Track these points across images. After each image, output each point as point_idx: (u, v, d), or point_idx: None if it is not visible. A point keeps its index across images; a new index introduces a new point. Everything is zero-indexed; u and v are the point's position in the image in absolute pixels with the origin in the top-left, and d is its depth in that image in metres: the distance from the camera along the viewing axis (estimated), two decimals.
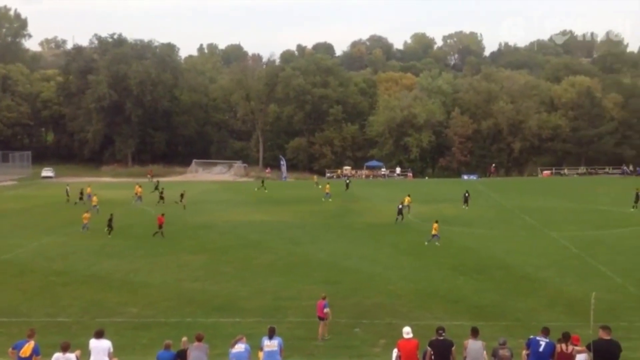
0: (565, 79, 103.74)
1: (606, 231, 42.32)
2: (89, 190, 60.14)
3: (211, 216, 49.44)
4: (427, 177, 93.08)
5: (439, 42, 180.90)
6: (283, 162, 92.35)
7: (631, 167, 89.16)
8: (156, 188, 62.98)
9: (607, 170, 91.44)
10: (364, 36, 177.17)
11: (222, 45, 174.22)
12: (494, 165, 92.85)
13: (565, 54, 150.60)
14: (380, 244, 38.73)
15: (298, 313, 24.64)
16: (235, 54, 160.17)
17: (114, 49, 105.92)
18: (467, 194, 54.60)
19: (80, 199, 57.93)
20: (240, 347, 14.45)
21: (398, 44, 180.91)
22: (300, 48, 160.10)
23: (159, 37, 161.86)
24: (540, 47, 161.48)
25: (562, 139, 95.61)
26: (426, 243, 37.95)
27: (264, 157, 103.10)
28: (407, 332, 14.29)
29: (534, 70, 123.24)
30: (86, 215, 43.25)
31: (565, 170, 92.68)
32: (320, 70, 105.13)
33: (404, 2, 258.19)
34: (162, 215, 42.09)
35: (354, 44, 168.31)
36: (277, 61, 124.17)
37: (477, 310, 24.85)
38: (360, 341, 21.55)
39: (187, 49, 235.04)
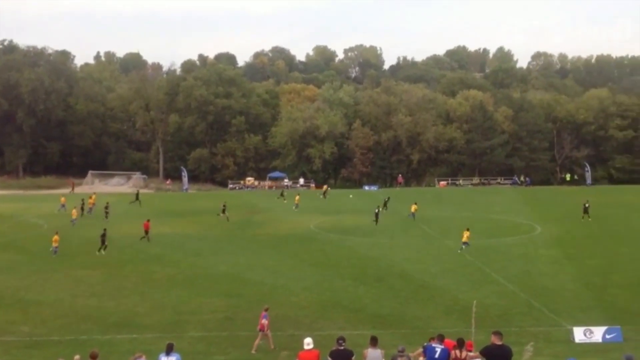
0: (460, 93, 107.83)
1: (498, 239, 44.27)
2: None
3: (109, 229, 47.63)
4: (329, 188, 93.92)
5: (340, 55, 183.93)
6: (184, 174, 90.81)
7: (522, 178, 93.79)
8: (137, 198, 64.32)
9: (499, 180, 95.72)
10: (267, 47, 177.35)
11: (120, 54, 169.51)
12: (400, 175, 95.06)
13: (460, 69, 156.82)
14: (283, 255, 38.82)
15: (199, 327, 24.30)
16: (134, 62, 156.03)
17: (5, 56, 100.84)
18: (377, 210, 53.89)
19: None
20: None
21: (300, 56, 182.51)
22: (202, 58, 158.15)
23: (53, 44, 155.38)
24: (436, 62, 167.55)
25: (457, 150, 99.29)
26: (459, 251, 39.18)
27: (165, 168, 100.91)
28: (307, 342, 14.40)
29: (430, 84, 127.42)
30: None
31: (461, 181, 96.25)
32: (223, 81, 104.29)
33: (306, 15, 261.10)
34: (148, 220, 43.64)
35: (257, 55, 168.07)
36: (178, 71, 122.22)
37: (378, 318, 25.38)
38: (263, 353, 21.50)
39: (83, 57, 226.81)
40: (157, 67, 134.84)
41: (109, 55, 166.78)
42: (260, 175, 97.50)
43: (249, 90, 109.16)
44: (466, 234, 40.28)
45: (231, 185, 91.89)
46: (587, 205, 53.70)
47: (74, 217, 51.48)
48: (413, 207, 55.03)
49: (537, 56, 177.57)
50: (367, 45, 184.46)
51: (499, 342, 13.37)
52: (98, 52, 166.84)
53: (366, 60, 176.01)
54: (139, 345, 19.85)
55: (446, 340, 14.41)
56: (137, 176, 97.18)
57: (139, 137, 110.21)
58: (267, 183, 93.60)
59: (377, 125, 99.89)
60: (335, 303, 27.73)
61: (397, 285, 30.83)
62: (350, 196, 74.35)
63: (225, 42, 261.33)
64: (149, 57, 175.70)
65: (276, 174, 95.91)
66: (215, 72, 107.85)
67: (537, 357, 19.92)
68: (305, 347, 14.33)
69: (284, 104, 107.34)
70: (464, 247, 39.70)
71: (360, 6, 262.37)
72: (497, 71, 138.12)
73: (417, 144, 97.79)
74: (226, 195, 74.41)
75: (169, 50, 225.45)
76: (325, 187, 62.43)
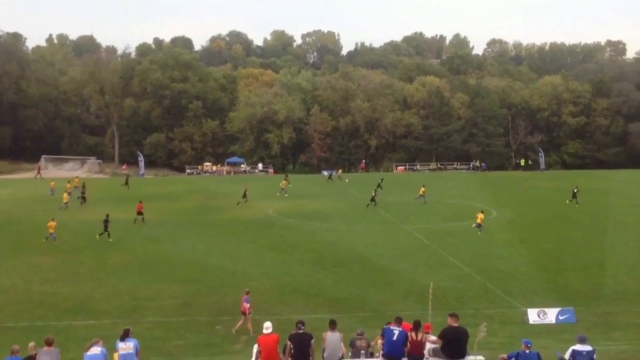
0: (417, 79, 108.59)
1: (454, 223, 44.89)
2: None
3: (63, 215, 46.68)
4: (287, 174, 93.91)
5: (298, 40, 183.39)
6: (141, 159, 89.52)
7: (478, 163, 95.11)
8: (126, 183, 64.67)
9: (455, 166, 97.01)
10: (224, 31, 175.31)
11: (73, 36, 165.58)
12: (364, 161, 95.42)
13: (417, 55, 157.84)
14: (242, 240, 38.67)
15: (157, 313, 24.10)
16: (87, 45, 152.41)
17: None
18: (374, 192, 54.50)
19: None
20: (95, 350, 13.86)
21: (258, 41, 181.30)
22: (158, 41, 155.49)
23: (3, 26, 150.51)
24: (393, 48, 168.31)
25: (414, 136, 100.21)
26: (478, 231, 40.51)
27: (121, 153, 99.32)
28: (266, 327, 14.39)
29: (388, 70, 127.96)
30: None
31: (418, 166, 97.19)
32: (179, 65, 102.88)
33: None
34: (141, 202, 45.06)
35: (213, 39, 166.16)
36: (133, 54, 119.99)
37: (336, 302, 25.55)
38: (221, 338, 21.47)
39: (35, 39, 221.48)
40: (112, 50, 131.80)
41: (62, 38, 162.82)
42: (218, 161, 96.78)
43: (206, 74, 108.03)
44: (480, 216, 41.57)
45: (189, 171, 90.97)
46: (575, 190, 54.88)
47: (65, 200, 50.58)
48: (421, 190, 55.80)
49: (492, 43, 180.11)
50: (325, 31, 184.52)
51: (455, 324, 13.61)
52: (50, 35, 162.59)
53: (324, 46, 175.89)
54: (96, 332, 19.60)
55: (404, 323, 14.57)
56: (92, 161, 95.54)
57: (94, 122, 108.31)
58: (225, 168, 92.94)
59: (335, 110, 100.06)
60: (294, 288, 27.79)
61: (356, 270, 31.04)
62: (347, 180, 74.65)
63: (181, 26, 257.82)
64: (103, 40, 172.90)
65: (234, 159, 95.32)
66: (171, 55, 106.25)
67: (492, 338, 20.33)
68: (264, 331, 14.32)
69: (241, 89, 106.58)
70: (477, 228, 41.00)
71: None
72: (454, 58, 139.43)
73: (375, 130, 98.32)
74: (246, 179, 73.40)
75: (124, 34, 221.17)
76: (284, 182, 61.89)
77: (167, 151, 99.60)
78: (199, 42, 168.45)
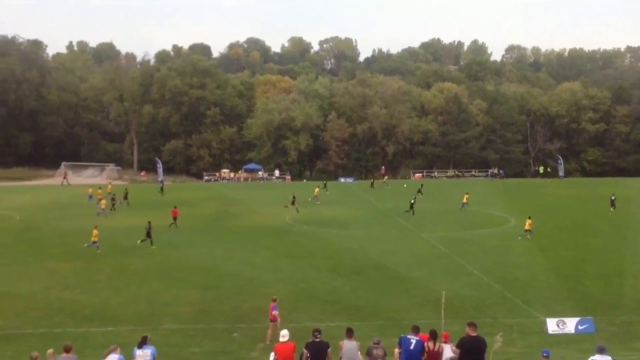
0: (435, 85, 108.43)
1: (472, 231, 44.64)
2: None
3: (82, 221, 47.04)
4: (305, 180, 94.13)
5: (316, 47, 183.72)
6: (159, 165, 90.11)
7: (496, 170, 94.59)
8: (161, 190, 65.25)
9: (473, 173, 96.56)
10: (242, 38, 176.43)
11: (93, 43, 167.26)
12: (383, 167, 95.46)
13: (435, 61, 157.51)
14: (259, 247, 38.69)
15: (174, 320, 24.15)
16: (107, 52, 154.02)
17: None
18: (413, 200, 54.40)
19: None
20: (113, 357, 13.96)
21: (276, 47, 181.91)
22: (176, 48, 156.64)
23: (24, 33, 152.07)
24: (411, 54, 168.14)
25: (432, 142, 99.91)
26: (520, 237, 40.92)
27: (139, 160, 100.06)
28: (283, 335, 14.39)
29: (405, 77, 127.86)
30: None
31: (436, 173, 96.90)
32: (197, 72, 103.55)
33: (280, 5, 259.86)
34: (176, 207, 46.09)
35: (231, 46, 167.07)
36: (152, 61, 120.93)
37: (354, 310, 25.44)
38: (238, 346, 21.45)
39: (55, 47, 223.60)
40: (131, 57, 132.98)
41: (82, 45, 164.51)
42: (236, 167, 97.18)
43: (224, 81, 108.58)
44: (528, 222, 41.59)
45: (206, 177, 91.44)
46: (613, 198, 54.41)
47: (102, 206, 51.40)
48: (465, 197, 55.96)
49: (510, 49, 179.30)
50: (343, 37, 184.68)
51: (473, 334, 13.52)
52: (70, 42, 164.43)
53: (341, 52, 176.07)
54: (113, 338, 19.67)
55: (443, 333, 14.58)
56: (111, 167, 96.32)
57: (113, 128, 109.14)
58: (243, 175, 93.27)
59: (353, 117, 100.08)
60: (311, 295, 27.73)
61: (373, 277, 30.92)
62: (405, 185, 75.44)
63: (200, 33, 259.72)
64: (123, 47, 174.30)
65: (251, 165, 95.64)
66: (190, 62, 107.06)
67: (511, 348, 20.16)
68: (281, 339, 14.32)
69: (259, 96, 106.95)
70: (527, 234, 41.15)
71: None
72: (472, 64, 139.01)
73: (392, 136, 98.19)
74: (293, 186, 73.65)
75: (143, 41, 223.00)
76: (317, 189, 61.80)
77: (185, 158, 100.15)
78: (217, 49, 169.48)
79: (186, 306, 25.94)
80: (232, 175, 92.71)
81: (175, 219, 45.36)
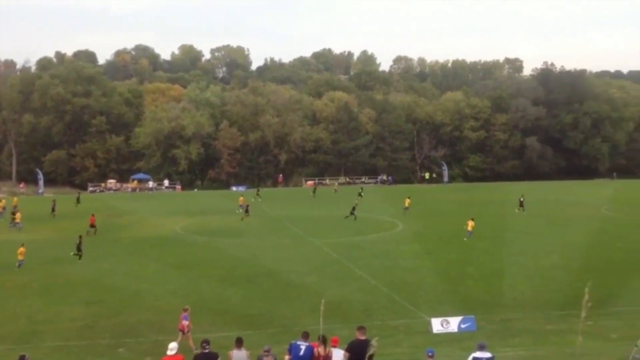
0: (326, 95, 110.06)
1: (363, 237, 45.49)
2: None
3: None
4: (196, 189, 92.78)
5: (207, 55, 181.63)
6: (40, 176, 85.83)
7: (385, 177, 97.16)
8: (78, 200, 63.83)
9: (363, 179, 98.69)
10: (129, 45, 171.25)
11: None
12: (281, 175, 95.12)
13: (326, 71, 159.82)
14: (148, 258, 37.67)
15: (56, 337, 23.05)
16: None
17: None
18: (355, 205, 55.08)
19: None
20: None
21: (165, 55, 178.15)
22: (59, 55, 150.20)
23: None
24: (303, 64, 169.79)
25: (323, 150, 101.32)
26: (465, 239, 42.56)
27: (18, 171, 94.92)
28: (171, 348, 14.05)
29: (297, 86, 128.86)
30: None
31: (327, 180, 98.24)
32: (82, 79, 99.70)
33: (170, 13, 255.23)
34: (93, 215, 46.91)
35: (118, 53, 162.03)
36: (33, 68, 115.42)
37: (245, 319, 25.26)
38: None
39: None
40: (10, 64, 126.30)
41: None
42: (123, 177, 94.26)
43: (110, 89, 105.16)
44: (470, 224, 43.66)
45: (91, 188, 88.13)
46: (522, 199, 57.04)
47: (17, 220, 49.98)
48: (406, 202, 57.45)
49: (398, 60, 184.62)
50: (235, 46, 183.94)
51: (362, 337, 13.77)
52: None
53: (233, 61, 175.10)
54: None
55: (333, 337, 14.66)
56: None
57: None
58: (130, 185, 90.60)
59: (245, 125, 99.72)
60: (202, 306, 27.20)
61: (265, 285, 30.84)
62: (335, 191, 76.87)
63: (85, 40, 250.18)
64: (1, 54, 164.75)
65: (140, 175, 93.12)
66: (74, 69, 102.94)
67: (397, 348, 20.72)
68: (169, 352, 13.98)
69: (147, 104, 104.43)
70: (470, 236, 43.08)
71: (227, 6, 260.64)
72: (361, 74, 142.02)
73: (284, 144, 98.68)
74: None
75: (24, 48, 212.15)
76: (241, 198, 61.32)
77: (68, 168, 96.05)
78: (104, 56, 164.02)
79: (69, 322, 24.83)
80: (119, 185, 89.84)
81: (93, 226, 45.82)
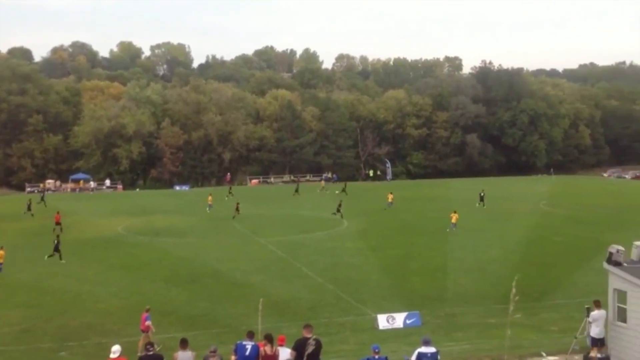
0: (269, 93, 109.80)
1: (308, 235, 45.62)
2: None
3: None
4: (138, 189, 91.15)
5: (147, 52, 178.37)
6: None
7: (330, 174, 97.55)
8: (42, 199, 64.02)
9: (308, 177, 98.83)
10: (66, 42, 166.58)
11: None
12: (229, 174, 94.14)
13: (268, 69, 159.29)
14: (89, 260, 36.89)
15: None
16: None
17: None
18: (340, 202, 55.03)
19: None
20: None
21: (104, 52, 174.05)
22: None
23: None
24: (245, 62, 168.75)
25: (268, 149, 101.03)
26: (448, 230, 44.30)
27: None
28: (114, 351, 13.76)
29: (240, 84, 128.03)
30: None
31: (272, 179, 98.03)
32: (17, 77, 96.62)
33: (108, 9, 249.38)
34: (58, 212, 47.42)
35: (55, 50, 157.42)
36: None
37: (190, 320, 25.03)
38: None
39: None
40: None
41: None
42: (62, 177, 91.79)
43: (47, 86, 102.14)
44: (455, 216, 44.84)
45: (29, 189, 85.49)
46: (482, 194, 58.09)
47: None
48: (390, 197, 58.66)
49: (340, 58, 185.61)
50: (175, 43, 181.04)
51: (309, 335, 13.76)
52: None
53: (174, 58, 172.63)
54: None
55: (279, 336, 14.60)
56: None
57: None
58: (70, 185, 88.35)
59: (187, 124, 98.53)
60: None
61: (210, 285, 30.61)
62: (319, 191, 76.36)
63: (19, 37, 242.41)
64: None
65: (79, 175, 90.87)
66: (8, 67, 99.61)
67: (344, 345, 20.85)
68: (112, 355, 13.69)
69: (86, 102, 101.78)
70: (453, 228, 44.59)
71: (166, 2, 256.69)
72: (304, 72, 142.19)
73: (228, 143, 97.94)
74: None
75: None
76: (210, 197, 60.25)
77: (4, 168, 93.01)
78: (39, 53, 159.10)
79: (6, 327, 24.09)
80: (57, 185, 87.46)
81: (58, 224, 46.40)
